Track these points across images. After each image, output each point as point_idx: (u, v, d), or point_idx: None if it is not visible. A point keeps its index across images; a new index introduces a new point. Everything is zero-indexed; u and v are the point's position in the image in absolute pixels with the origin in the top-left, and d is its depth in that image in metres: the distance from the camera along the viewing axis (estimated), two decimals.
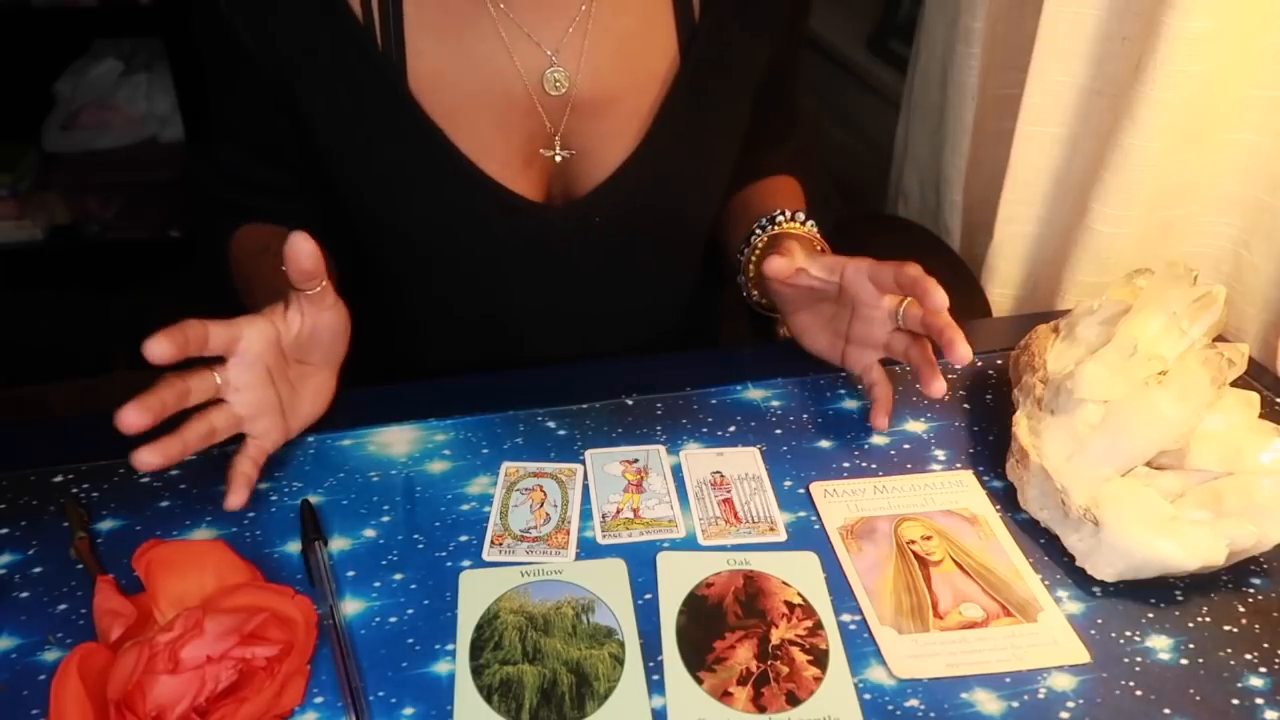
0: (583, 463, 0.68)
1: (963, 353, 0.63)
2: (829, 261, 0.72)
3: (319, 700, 0.52)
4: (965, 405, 0.74)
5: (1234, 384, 0.65)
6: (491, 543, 0.61)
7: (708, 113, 0.79)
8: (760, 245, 0.80)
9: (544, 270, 0.80)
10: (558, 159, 0.76)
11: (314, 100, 0.73)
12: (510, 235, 0.78)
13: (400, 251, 0.80)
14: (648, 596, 0.58)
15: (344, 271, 0.82)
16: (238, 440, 0.68)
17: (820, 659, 0.55)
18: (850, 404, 0.74)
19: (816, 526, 0.63)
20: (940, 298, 0.64)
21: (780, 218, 0.81)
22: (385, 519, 0.63)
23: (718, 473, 0.67)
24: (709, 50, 0.77)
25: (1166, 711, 0.52)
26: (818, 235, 0.81)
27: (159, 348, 0.55)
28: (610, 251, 0.81)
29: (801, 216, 0.81)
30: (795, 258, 0.72)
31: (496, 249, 0.78)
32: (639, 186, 0.78)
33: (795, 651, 0.55)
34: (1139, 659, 0.55)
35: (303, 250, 0.59)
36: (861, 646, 0.56)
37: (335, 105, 0.73)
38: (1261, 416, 0.65)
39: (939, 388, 0.66)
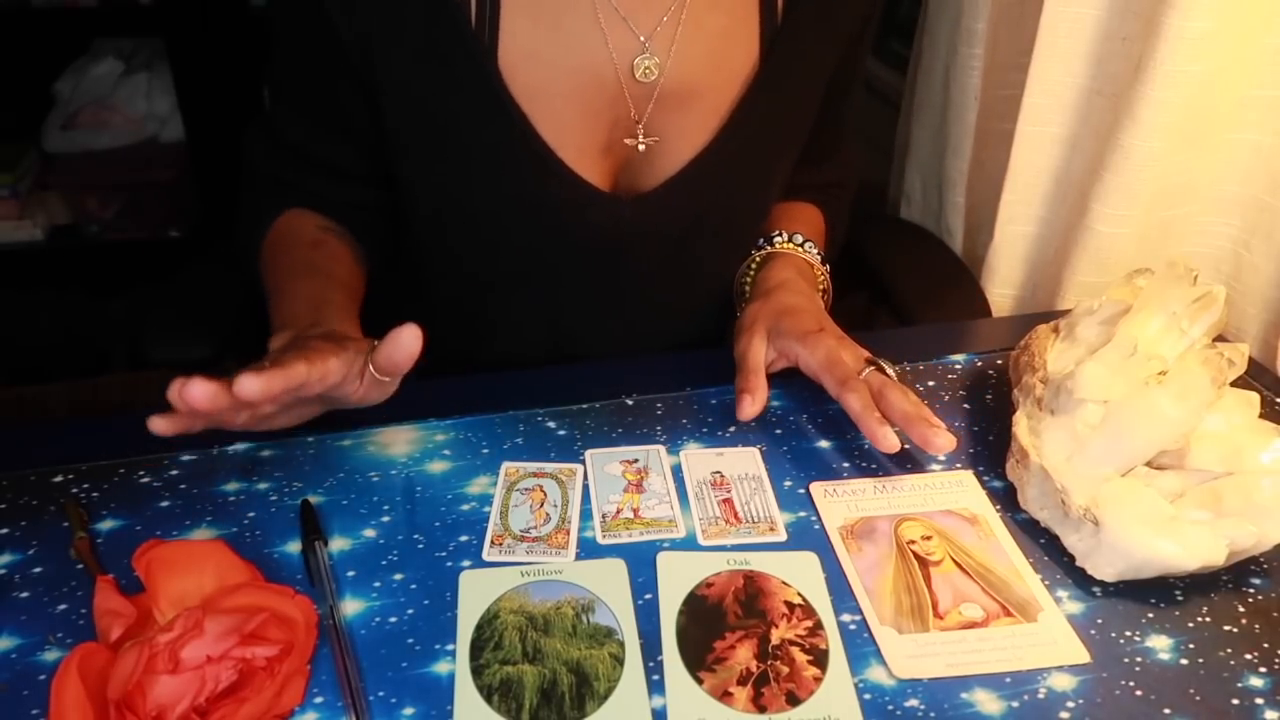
0: (583, 463, 0.68)
1: (940, 444, 0.65)
2: (781, 346, 0.73)
3: (319, 700, 0.52)
4: (965, 405, 0.74)
5: (1234, 384, 0.65)
6: (491, 543, 0.61)
7: (780, 116, 0.80)
8: (754, 265, 0.83)
9: (599, 263, 0.81)
10: (641, 147, 0.76)
11: (394, 73, 0.73)
12: (574, 224, 0.78)
13: (458, 234, 0.80)
14: (648, 596, 0.58)
15: (377, 266, 0.82)
16: (234, 439, 0.68)
17: (820, 659, 0.55)
18: None
19: (816, 526, 0.63)
20: (888, 439, 0.65)
21: (778, 238, 0.84)
22: (385, 519, 0.63)
23: (718, 473, 0.67)
24: (789, 53, 0.78)
25: (1166, 711, 0.52)
26: (816, 259, 0.83)
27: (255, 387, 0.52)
28: (670, 246, 0.82)
29: (799, 239, 0.83)
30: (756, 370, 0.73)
31: (557, 237, 0.79)
32: (707, 183, 0.79)
33: (795, 651, 0.55)
34: (1139, 659, 0.55)
35: (406, 347, 0.57)
36: (861, 646, 0.56)
37: (417, 80, 0.73)
38: (1261, 416, 0.65)
39: (890, 444, 0.66)
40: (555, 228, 0.78)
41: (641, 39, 0.74)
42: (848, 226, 0.97)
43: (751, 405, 0.70)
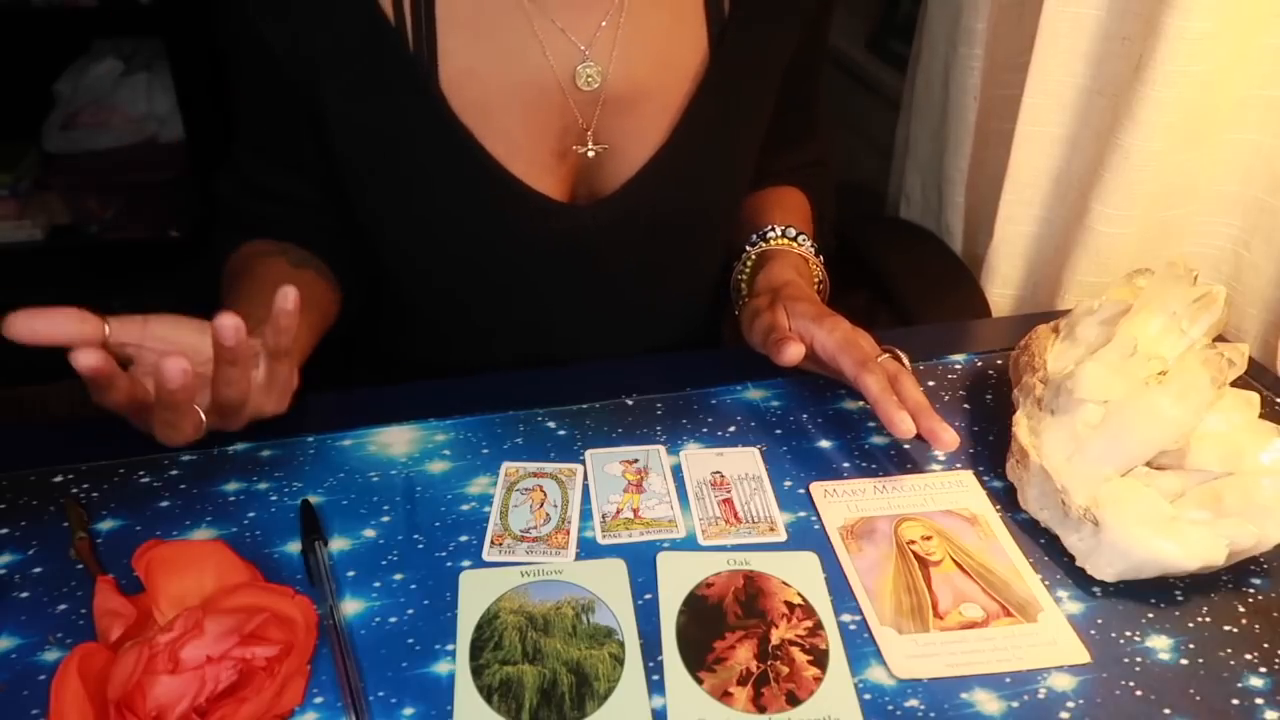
0: (583, 463, 0.68)
1: (947, 440, 0.64)
2: (797, 327, 0.72)
3: (319, 700, 0.52)
4: (965, 405, 0.74)
5: (1234, 384, 0.65)
6: (491, 543, 0.61)
7: (736, 109, 0.80)
8: (749, 263, 0.82)
9: (569, 271, 0.80)
10: (589, 154, 0.76)
11: (339, 102, 0.73)
12: (537, 236, 0.77)
13: (424, 255, 0.79)
14: (648, 596, 0.58)
15: (354, 285, 0.82)
16: (234, 439, 0.68)
17: (820, 659, 0.55)
18: (850, 404, 0.74)
19: (816, 526, 0.63)
20: (905, 423, 0.64)
21: (771, 234, 0.82)
22: (385, 519, 0.63)
23: (718, 473, 0.67)
24: (739, 46, 0.77)
25: (1166, 711, 0.52)
26: (810, 253, 0.82)
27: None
28: (636, 249, 0.81)
29: (793, 232, 0.82)
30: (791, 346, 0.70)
31: (522, 250, 0.78)
32: (667, 183, 0.78)
33: (795, 651, 0.55)
34: (1139, 659, 0.55)
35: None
36: (861, 646, 0.56)
37: (362, 106, 0.73)
38: (1261, 416, 0.65)
39: (906, 428, 0.65)
40: (517, 241, 0.77)
41: (581, 47, 0.73)
42: (835, 204, 0.96)
43: (796, 346, 0.68)
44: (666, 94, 0.77)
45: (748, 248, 0.83)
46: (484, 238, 0.77)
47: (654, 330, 0.88)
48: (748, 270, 0.82)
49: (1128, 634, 0.57)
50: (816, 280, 0.82)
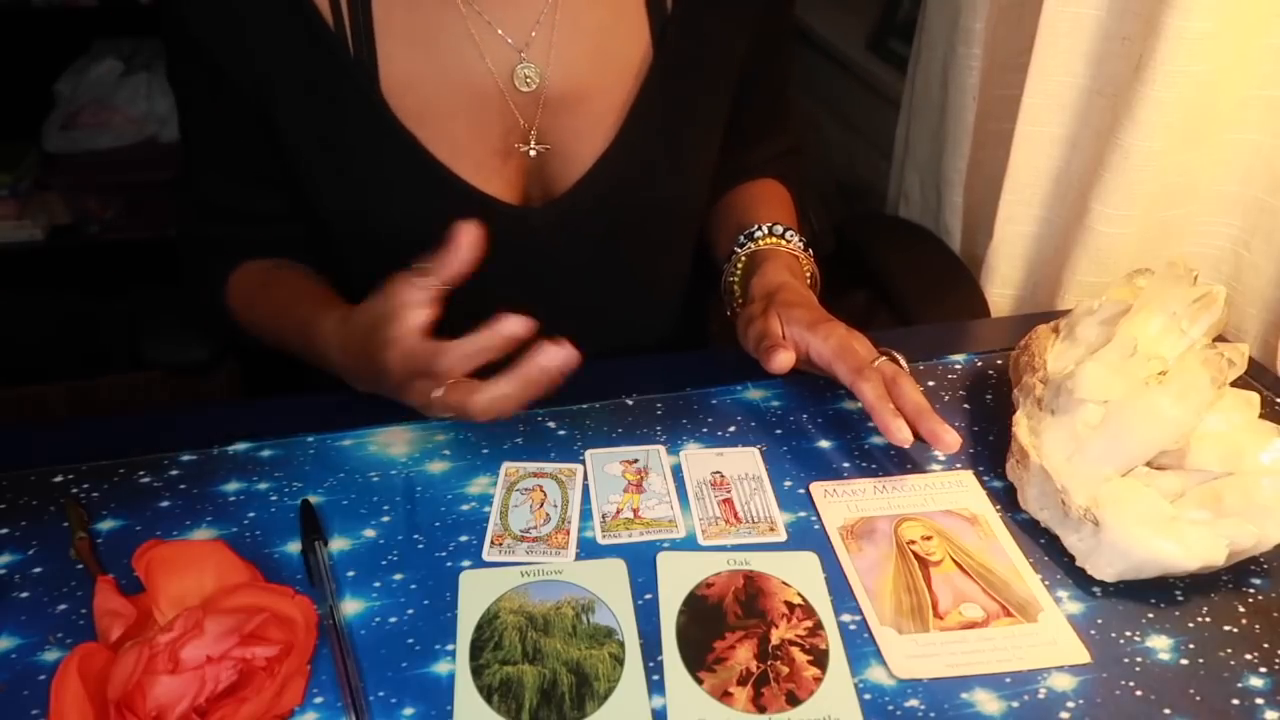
0: (583, 463, 0.68)
1: (949, 441, 0.64)
2: (792, 334, 0.71)
3: (319, 700, 0.52)
4: (965, 405, 0.74)
5: (1234, 384, 0.65)
6: (491, 543, 0.61)
7: (683, 104, 0.79)
8: (740, 265, 0.81)
9: (527, 272, 0.80)
10: (532, 153, 0.76)
11: (289, 114, 0.73)
12: (489, 239, 0.77)
13: (380, 261, 0.79)
14: (648, 596, 0.58)
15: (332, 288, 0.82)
16: (233, 439, 0.68)
17: (820, 659, 0.55)
18: (850, 404, 0.73)
19: (816, 526, 0.63)
20: (902, 431, 0.64)
21: (758, 233, 0.81)
22: (385, 519, 0.63)
23: (718, 473, 0.67)
24: (682, 41, 0.77)
25: (1166, 711, 0.52)
26: (799, 248, 0.81)
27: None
28: (593, 249, 0.80)
29: (780, 229, 0.81)
30: (783, 354, 0.69)
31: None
32: (616, 181, 0.78)
33: (795, 651, 0.55)
34: (1139, 659, 0.55)
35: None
36: (861, 646, 0.56)
37: (310, 117, 0.73)
38: (1261, 416, 0.65)
39: (904, 437, 0.64)
40: None
41: (518, 48, 0.73)
42: (809, 186, 0.95)
43: (786, 354, 0.68)
44: (609, 92, 0.76)
45: (736, 249, 0.81)
46: (436, 240, 0.77)
47: (624, 331, 0.87)
48: (738, 273, 0.81)
49: (1128, 634, 0.57)
50: (808, 274, 0.81)
